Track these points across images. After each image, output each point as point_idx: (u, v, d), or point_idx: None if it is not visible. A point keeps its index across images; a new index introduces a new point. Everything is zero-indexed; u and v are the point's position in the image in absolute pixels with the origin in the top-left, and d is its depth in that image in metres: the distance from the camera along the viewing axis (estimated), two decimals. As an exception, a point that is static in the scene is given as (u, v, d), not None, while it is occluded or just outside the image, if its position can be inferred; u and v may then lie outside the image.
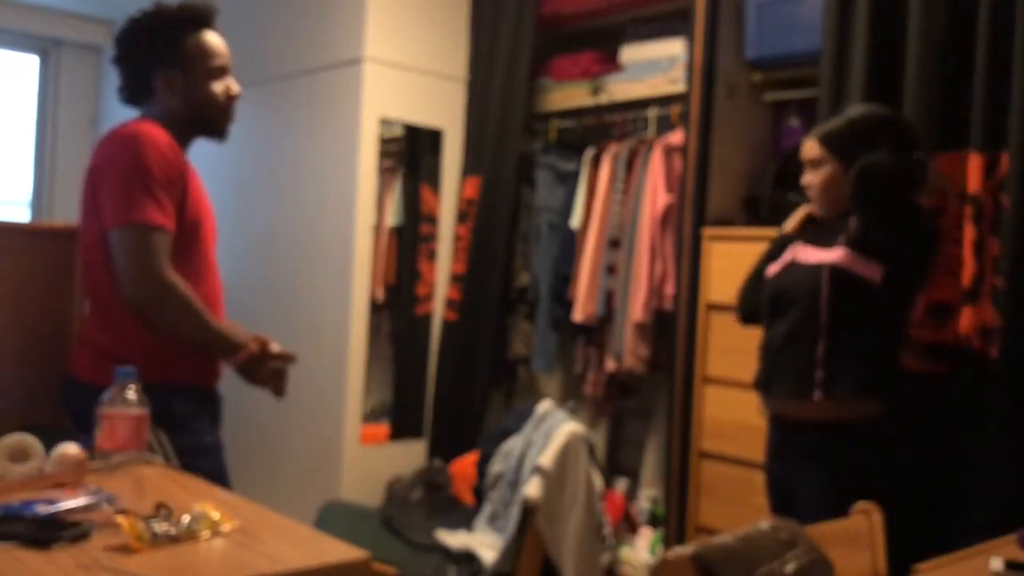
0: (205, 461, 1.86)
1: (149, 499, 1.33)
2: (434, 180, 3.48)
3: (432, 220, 3.48)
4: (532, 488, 2.38)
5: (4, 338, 1.96)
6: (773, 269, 2.08)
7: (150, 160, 1.79)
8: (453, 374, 3.39)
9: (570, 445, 2.45)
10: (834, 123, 2.00)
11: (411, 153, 3.52)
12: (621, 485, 3.13)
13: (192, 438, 1.87)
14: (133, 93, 1.97)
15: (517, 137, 3.31)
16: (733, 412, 2.57)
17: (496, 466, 2.72)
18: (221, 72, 1.97)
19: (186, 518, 1.22)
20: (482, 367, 3.32)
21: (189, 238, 1.89)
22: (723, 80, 2.73)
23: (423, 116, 3.41)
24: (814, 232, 2.06)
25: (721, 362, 2.61)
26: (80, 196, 1.89)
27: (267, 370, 1.90)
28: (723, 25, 2.71)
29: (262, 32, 3.73)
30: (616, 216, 3.03)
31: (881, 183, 1.86)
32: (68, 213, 4.89)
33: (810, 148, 2.01)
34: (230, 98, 1.98)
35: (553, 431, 2.50)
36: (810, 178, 2.03)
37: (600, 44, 3.28)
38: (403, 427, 3.46)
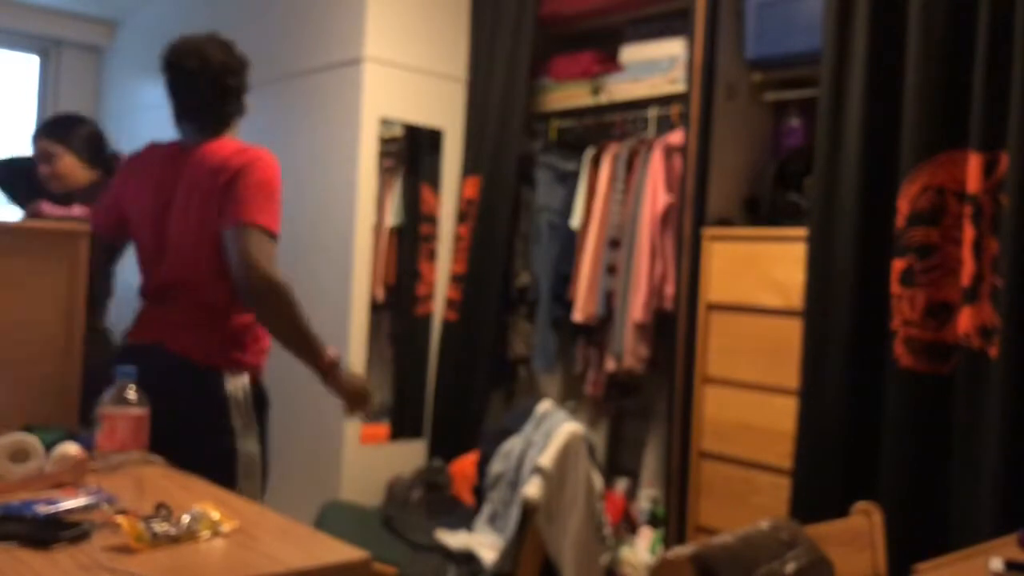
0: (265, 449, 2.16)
1: (149, 499, 1.33)
2: (434, 180, 3.48)
3: (432, 220, 3.48)
4: (532, 488, 2.38)
5: (4, 338, 1.96)
6: None
7: (277, 179, 2.05)
8: (453, 374, 3.39)
9: (570, 445, 2.45)
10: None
11: (411, 153, 3.52)
12: (621, 485, 3.13)
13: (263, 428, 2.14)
14: (229, 118, 2.14)
15: (517, 137, 3.31)
16: (733, 412, 2.57)
17: (496, 466, 2.71)
18: None
19: (186, 518, 1.22)
20: (482, 367, 3.32)
21: None
22: (723, 80, 2.72)
23: (423, 116, 3.41)
24: None
25: (721, 362, 2.61)
26: (185, 201, 2.04)
27: (352, 382, 2.09)
28: (723, 25, 2.71)
29: (262, 32, 3.73)
30: (616, 216, 3.03)
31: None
32: (68, 213, 4.89)
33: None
34: None
35: (553, 431, 2.50)
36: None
37: (600, 44, 3.28)
38: (403, 427, 3.46)
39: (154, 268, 2.08)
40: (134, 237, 2.15)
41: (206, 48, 2.07)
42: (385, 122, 3.31)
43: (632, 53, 3.11)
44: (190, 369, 1.97)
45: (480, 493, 2.80)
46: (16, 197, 2.93)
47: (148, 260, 2.11)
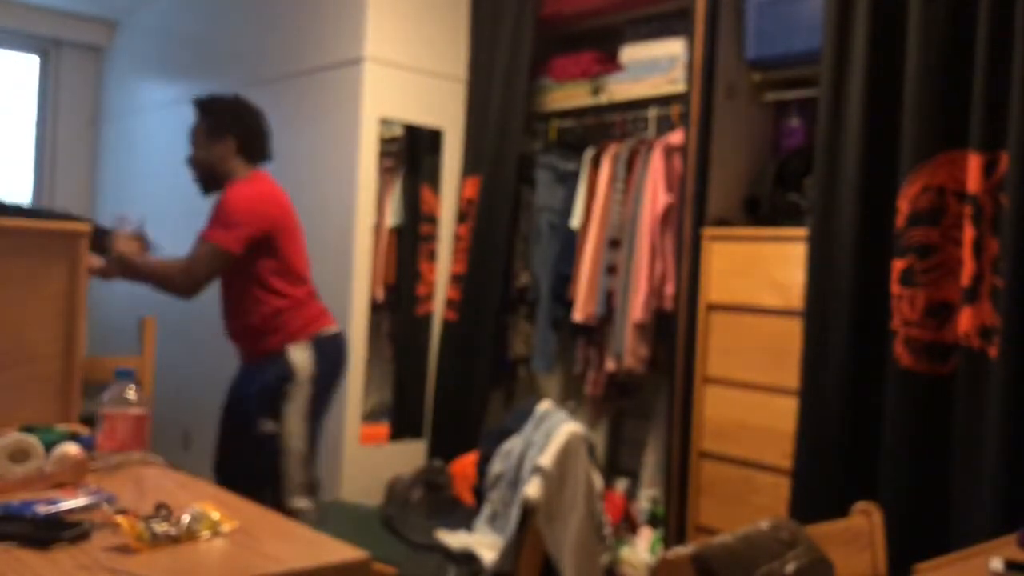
0: None
1: (149, 499, 1.33)
2: (434, 180, 3.48)
3: (432, 220, 3.48)
4: (532, 488, 2.38)
5: (4, 338, 1.96)
6: None
7: None
8: (453, 374, 3.39)
9: (570, 445, 2.45)
10: None
11: (411, 153, 3.52)
12: (621, 485, 3.13)
13: None
14: None
15: (517, 137, 3.31)
16: (733, 412, 2.57)
17: (496, 466, 2.71)
18: None
19: (186, 518, 1.22)
20: (482, 367, 3.32)
21: None
22: (723, 80, 2.72)
23: (423, 116, 3.41)
24: None
25: (721, 362, 2.61)
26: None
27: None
28: (723, 25, 2.71)
29: (262, 32, 3.73)
30: (616, 216, 3.03)
31: None
32: (68, 213, 4.90)
33: None
34: None
35: (553, 431, 2.50)
36: None
37: (600, 44, 3.28)
38: (403, 427, 3.46)
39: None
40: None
41: None
42: (385, 122, 3.31)
43: (632, 53, 3.11)
44: None
45: (480, 493, 2.80)
46: None
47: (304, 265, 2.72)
